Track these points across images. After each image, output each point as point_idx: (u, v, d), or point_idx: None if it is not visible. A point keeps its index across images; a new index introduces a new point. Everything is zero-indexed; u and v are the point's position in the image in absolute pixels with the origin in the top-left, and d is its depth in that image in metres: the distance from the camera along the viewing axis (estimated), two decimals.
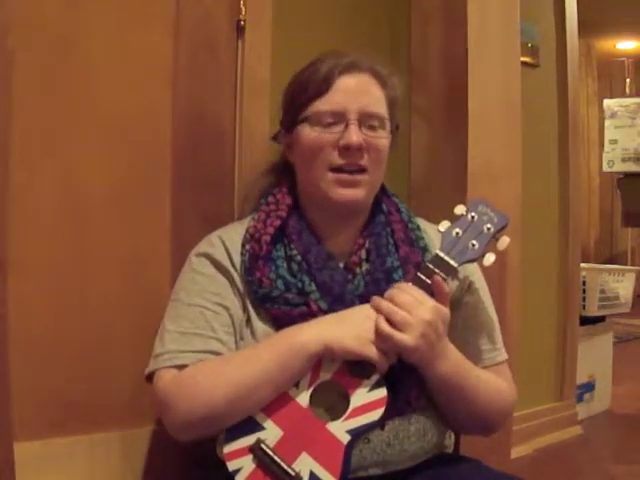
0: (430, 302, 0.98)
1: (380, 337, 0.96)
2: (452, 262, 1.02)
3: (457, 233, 1.03)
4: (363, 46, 1.70)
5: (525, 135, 1.84)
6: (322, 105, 1.06)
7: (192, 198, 1.40)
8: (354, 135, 1.04)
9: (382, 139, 1.08)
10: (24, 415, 1.18)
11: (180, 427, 1.00)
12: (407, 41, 1.87)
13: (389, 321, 0.96)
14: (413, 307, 0.96)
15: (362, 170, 1.06)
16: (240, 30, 1.46)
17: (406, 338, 0.95)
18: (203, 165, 1.42)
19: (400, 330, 0.95)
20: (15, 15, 1.15)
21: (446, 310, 1.00)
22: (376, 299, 0.99)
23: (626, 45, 6.15)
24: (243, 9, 1.46)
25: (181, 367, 1.01)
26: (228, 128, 1.46)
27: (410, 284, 1.00)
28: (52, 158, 1.24)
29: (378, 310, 0.98)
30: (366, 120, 1.06)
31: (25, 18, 1.19)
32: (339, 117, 1.05)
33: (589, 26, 3.82)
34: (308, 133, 1.07)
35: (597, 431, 2.66)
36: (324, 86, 1.06)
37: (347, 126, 1.05)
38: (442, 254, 1.02)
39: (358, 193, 1.07)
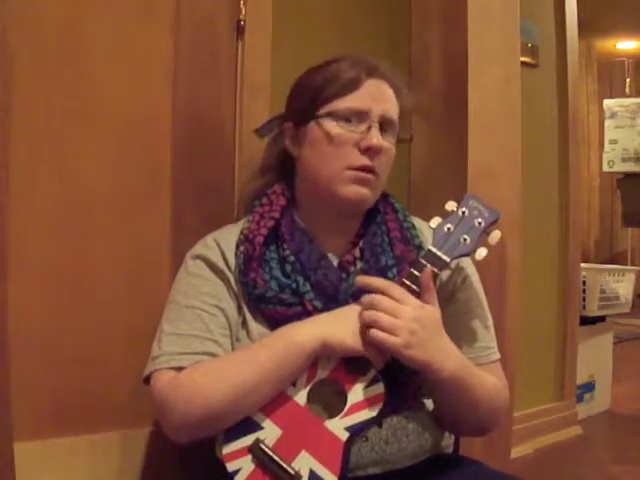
0: (413, 300, 0.98)
1: (372, 342, 0.95)
2: (444, 257, 1.02)
3: (448, 228, 1.04)
4: (363, 46, 1.70)
5: (525, 135, 1.84)
6: (350, 102, 1.06)
7: (192, 199, 1.40)
8: (376, 138, 1.05)
9: (393, 148, 1.10)
10: (24, 415, 1.18)
11: (178, 429, 1.00)
12: (407, 41, 1.87)
13: (376, 327, 0.95)
14: (396, 309, 0.96)
15: (374, 172, 1.07)
16: (240, 30, 1.46)
17: (395, 339, 0.94)
18: (203, 166, 1.42)
19: (389, 333, 0.95)
20: (15, 15, 1.15)
21: (431, 308, 1.00)
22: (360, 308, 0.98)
23: (626, 45, 6.15)
24: (243, 9, 1.46)
25: (178, 369, 1.01)
26: (228, 128, 1.46)
27: (391, 283, 1.00)
28: (52, 158, 1.24)
29: (361, 321, 0.97)
30: (384, 125, 1.08)
31: (25, 18, 1.19)
32: (363, 117, 1.06)
33: (589, 26, 3.82)
34: (332, 128, 1.06)
35: (597, 431, 2.66)
36: (352, 85, 1.07)
37: (369, 128, 1.06)
38: (434, 249, 1.02)
39: (368, 193, 1.08)
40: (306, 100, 1.11)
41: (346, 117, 1.06)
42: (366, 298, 0.98)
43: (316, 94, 1.09)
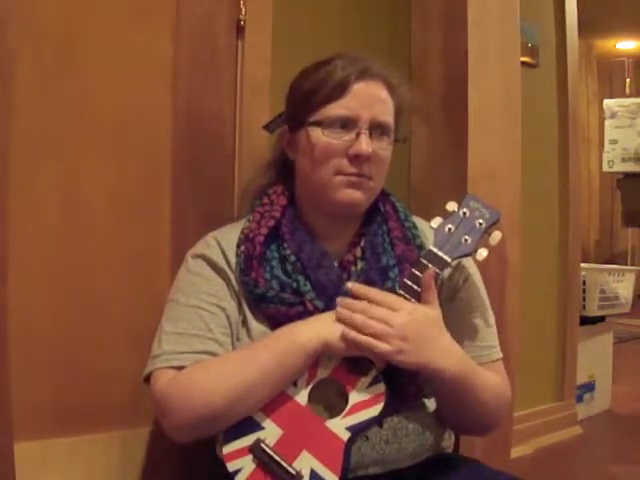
0: (406, 305, 0.98)
1: (360, 348, 0.96)
2: (445, 257, 1.03)
3: (449, 229, 1.04)
4: (363, 46, 1.70)
5: (525, 135, 1.84)
6: (336, 110, 1.05)
7: (192, 198, 1.40)
8: (365, 145, 1.04)
9: (387, 150, 1.09)
10: (24, 415, 1.18)
11: (179, 428, 1.00)
12: (407, 41, 1.87)
13: (367, 334, 0.95)
14: (386, 316, 0.96)
15: (366, 176, 1.06)
16: (240, 30, 1.46)
17: (386, 346, 0.95)
18: (203, 165, 1.42)
19: (380, 340, 0.95)
20: (16, 15, 1.15)
21: (430, 308, 1.00)
22: (345, 313, 0.98)
23: (626, 45, 6.16)
24: (243, 9, 1.46)
25: (178, 368, 1.01)
26: (228, 128, 1.46)
27: (384, 292, 1.00)
28: (52, 158, 1.24)
29: (352, 323, 0.96)
30: (375, 129, 1.06)
31: (26, 18, 1.19)
32: (351, 124, 1.05)
33: (589, 26, 3.82)
34: (319, 137, 1.06)
35: (597, 431, 2.66)
36: (339, 91, 1.05)
37: (358, 135, 1.04)
38: (435, 250, 1.03)
39: (360, 196, 1.07)
40: (296, 107, 1.11)
41: (334, 125, 1.05)
42: (342, 300, 0.98)
43: (305, 101, 1.08)
